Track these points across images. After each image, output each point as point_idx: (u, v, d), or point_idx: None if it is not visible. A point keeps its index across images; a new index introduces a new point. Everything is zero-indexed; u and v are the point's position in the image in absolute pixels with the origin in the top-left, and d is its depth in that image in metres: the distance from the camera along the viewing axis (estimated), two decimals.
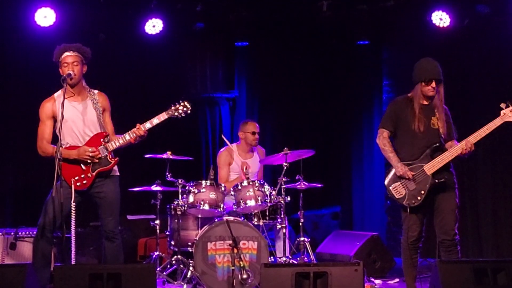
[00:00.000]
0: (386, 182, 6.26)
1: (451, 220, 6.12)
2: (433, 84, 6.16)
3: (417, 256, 6.31)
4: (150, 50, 9.73)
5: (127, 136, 6.23)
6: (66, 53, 6.19)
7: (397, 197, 6.20)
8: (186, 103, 6.42)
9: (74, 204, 5.98)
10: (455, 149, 6.08)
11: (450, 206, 6.15)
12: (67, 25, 8.96)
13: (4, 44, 9.16)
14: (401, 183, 6.17)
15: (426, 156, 6.13)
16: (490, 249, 9.05)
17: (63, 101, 5.92)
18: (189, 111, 6.43)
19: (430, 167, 6.09)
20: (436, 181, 6.08)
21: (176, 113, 6.38)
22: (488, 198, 9.17)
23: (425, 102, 6.23)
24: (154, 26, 9.38)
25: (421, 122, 6.14)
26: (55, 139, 6.08)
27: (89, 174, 6.16)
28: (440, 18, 9.12)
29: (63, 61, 6.18)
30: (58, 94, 6.18)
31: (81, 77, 6.24)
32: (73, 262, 6.03)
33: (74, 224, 5.99)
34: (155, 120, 6.29)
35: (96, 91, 6.35)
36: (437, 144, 6.15)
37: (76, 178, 6.11)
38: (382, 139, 6.31)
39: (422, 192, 6.10)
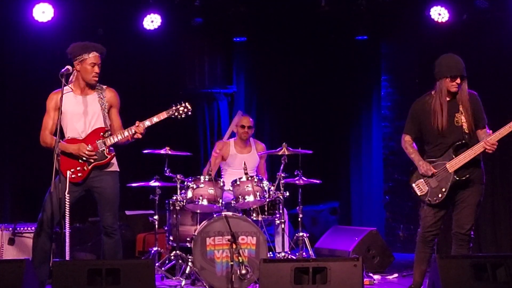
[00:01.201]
0: (410, 179, 6.25)
1: (469, 215, 6.08)
2: (458, 80, 6.12)
3: (430, 251, 6.24)
4: (149, 46, 9.72)
5: (126, 133, 6.23)
6: (95, 53, 6.23)
7: (419, 194, 6.18)
8: (187, 104, 6.44)
9: (68, 195, 5.96)
10: (477, 147, 6.04)
11: (471, 201, 6.10)
12: (66, 20, 8.95)
13: (2, 39, 9.14)
14: (424, 181, 6.15)
15: (449, 153, 6.08)
16: (489, 244, 9.05)
17: (62, 96, 5.92)
18: (189, 113, 6.45)
19: (452, 165, 6.04)
20: (458, 178, 6.04)
21: (176, 113, 6.40)
22: (487, 193, 9.16)
23: (448, 98, 6.16)
24: (152, 21, 9.35)
25: (441, 120, 6.09)
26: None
27: (85, 167, 6.16)
28: (439, 13, 9.11)
29: (91, 61, 6.21)
30: (67, 88, 6.18)
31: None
32: (67, 257, 6.00)
33: (68, 217, 5.96)
34: (155, 119, 6.29)
35: (104, 87, 6.36)
36: (461, 142, 6.09)
37: (72, 170, 6.11)
38: (404, 143, 6.34)
39: (444, 189, 6.07)
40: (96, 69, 6.23)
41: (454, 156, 6.06)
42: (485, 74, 9.16)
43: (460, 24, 9.19)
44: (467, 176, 6.06)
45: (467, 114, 6.11)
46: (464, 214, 6.10)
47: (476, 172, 6.13)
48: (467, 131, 6.10)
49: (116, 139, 6.22)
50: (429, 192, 6.12)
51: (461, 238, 6.11)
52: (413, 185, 6.21)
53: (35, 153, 8.16)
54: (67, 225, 5.98)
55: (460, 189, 6.11)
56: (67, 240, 5.98)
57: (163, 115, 6.34)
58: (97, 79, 6.26)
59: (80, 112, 6.21)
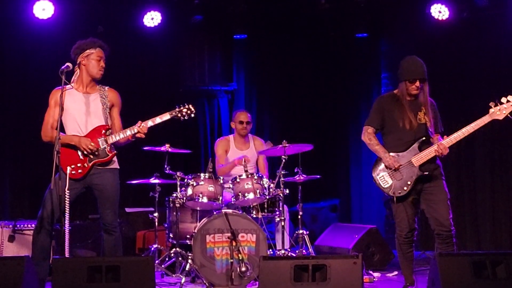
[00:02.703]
0: (373, 172, 6.33)
1: (444, 210, 6.14)
2: (417, 84, 6.22)
3: (412, 249, 6.34)
4: (149, 43, 9.73)
5: (128, 132, 6.23)
6: (100, 48, 6.28)
7: (383, 186, 6.25)
8: (190, 106, 6.45)
9: (68, 192, 5.97)
10: (433, 148, 6.11)
11: (441, 197, 6.17)
12: (66, 17, 8.96)
13: (3, 37, 9.15)
14: (388, 173, 6.22)
15: (414, 148, 6.18)
16: (488, 241, 9.06)
17: (62, 93, 5.92)
18: (192, 114, 6.46)
19: (418, 159, 6.13)
20: (423, 172, 6.12)
21: (179, 115, 6.41)
22: (486, 191, 9.19)
23: (410, 98, 6.28)
24: (152, 18, 9.37)
25: (409, 119, 6.19)
26: (61, 128, 6.09)
27: (85, 164, 6.16)
28: (439, 11, 9.13)
29: (98, 55, 6.26)
30: (69, 85, 6.19)
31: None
32: (67, 254, 6.00)
33: (68, 213, 5.96)
34: (157, 119, 6.30)
35: (106, 87, 6.38)
36: (424, 138, 6.19)
37: (72, 166, 6.11)
38: (367, 134, 6.40)
39: (409, 182, 6.14)
40: (102, 63, 6.28)
41: (419, 151, 6.15)
42: (484, 71, 9.17)
43: (460, 22, 9.20)
44: (431, 170, 6.15)
45: (429, 116, 6.21)
46: (441, 211, 6.15)
47: (437, 168, 6.22)
48: (430, 129, 6.21)
49: (117, 138, 6.22)
50: (393, 185, 6.19)
51: (446, 235, 6.14)
52: (377, 177, 6.28)
53: (35, 150, 8.17)
54: (67, 221, 5.99)
55: (426, 185, 6.17)
56: (67, 237, 5.98)
57: (166, 116, 6.34)
58: (102, 73, 6.29)
59: (81, 109, 6.21)
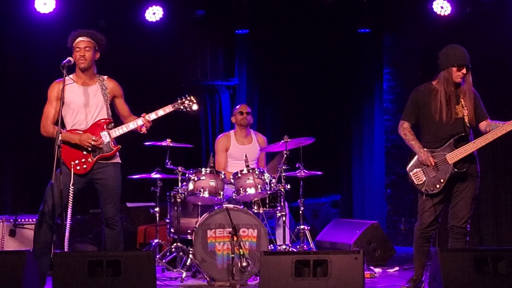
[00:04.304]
0: (408, 167, 6.21)
1: (465, 207, 6.09)
2: (464, 70, 6.10)
3: (429, 245, 6.25)
4: (150, 38, 9.70)
5: (131, 125, 6.23)
6: (80, 38, 6.23)
7: (416, 182, 6.15)
8: (192, 97, 6.44)
9: (72, 188, 5.97)
10: (479, 140, 6.03)
11: (467, 194, 6.10)
12: (67, 12, 8.93)
13: (4, 31, 9.12)
14: (422, 170, 6.12)
15: (449, 145, 6.07)
16: (490, 237, 9.05)
17: (63, 87, 5.92)
18: (195, 106, 6.44)
19: (453, 156, 6.03)
20: (457, 170, 6.03)
21: (181, 107, 6.40)
22: (488, 186, 9.16)
23: (452, 89, 6.14)
24: (154, 13, 9.34)
25: (445, 112, 6.07)
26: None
27: (90, 159, 6.15)
28: (441, 6, 9.09)
29: (75, 46, 6.21)
30: (69, 79, 6.17)
31: (92, 62, 6.25)
32: (66, 249, 6.00)
33: (71, 209, 5.96)
34: (161, 112, 6.30)
35: (105, 77, 6.34)
36: (462, 134, 6.08)
37: (76, 162, 6.11)
38: (403, 129, 6.26)
39: (442, 180, 6.05)
40: (82, 52, 6.17)
41: (455, 148, 6.05)
42: (488, 67, 9.14)
43: (463, 17, 9.17)
44: (466, 169, 6.06)
45: (469, 107, 6.09)
46: (460, 207, 6.11)
47: (473, 166, 6.14)
48: (468, 124, 6.09)
49: (121, 132, 6.22)
50: (426, 182, 6.10)
51: (457, 231, 6.12)
52: (411, 173, 6.18)
53: (36, 144, 8.15)
54: (69, 217, 5.99)
55: (457, 182, 6.11)
56: (67, 232, 5.98)
57: (169, 108, 6.34)
58: (83, 62, 6.18)
59: (82, 103, 6.20)
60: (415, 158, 6.17)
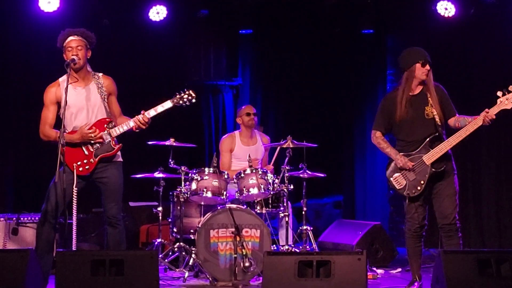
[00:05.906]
0: (387, 173, 6.30)
1: (450, 204, 6.13)
2: (428, 67, 6.15)
3: (421, 244, 6.32)
4: (154, 37, 9.71)
5: (131, 123, 6.20)
6: (70, 38, 6.17)
7: (397, 187, 6.24)
8: (191, 91, 6.38)
9: (76, 189, 5.97)
10: (453, 138, 6.06)
11: (449, 191, 6.16)
12: (71, 10, 8.94)
13: (8, 29, 9.14)
14: (402, 174, 6.19)
15: (424, 146, 6.13)
16: (492, 239, 9.04)
17: (67, 86, 5.90)
18: (193, 100, 6.38)
19: (429, 157, 6.09)
20: (435, 170, 6.10)
21: (180, 101, 6.35)
22: (491, 187, 9.17)
23: (417, 92, 6.20)
24: (158, 12, 9.35)
25: (405, 112, 6.13)
26: (58, 124, 6.06)
27: (92, 159, 6.14)
28: (445, 8, 9.11)
29: (67, 46, 6.15)
30: (63, 79, 6.16)
31: (85, 61, 6.21)
32: (74, 248, 6.02)
33: (75, 210, 5.97)
34: (160, 108, 6.25)
35: (100, 74, 6.30)
36: (435, 134, 6.14)
37: (79, 163, 6.10)
38: (376, 138, 6.37)
39: (422, 182, 6.12)
40: (74, 52, 6.11)
41: (430, 149, 6.11)
42: (490, 68, 9.14)
43: (467, 19, 9.17)
44: (444, 167, 6.12)
45: (436, 105, 6.14)
46: (446, 205, 6.15)
47: (449, 163, 6.19)
48: (439, 123, 6.15)
49: (121, 130, 6.19)
50: (407, 185, 6.16)
51: (449, 229, 6.15)
52: (391, 179, 6.25)
53: (38, 143, 8.14)
54: (74, 217, 5.99)
55: (437, 181, 6.16)
56: (74, 231, 5.99)
57: (168, 104, 6.28)
58: (80, 63, 6.12)
59: (81, 104, 6.17)
60: (393, 164, 6.25)
